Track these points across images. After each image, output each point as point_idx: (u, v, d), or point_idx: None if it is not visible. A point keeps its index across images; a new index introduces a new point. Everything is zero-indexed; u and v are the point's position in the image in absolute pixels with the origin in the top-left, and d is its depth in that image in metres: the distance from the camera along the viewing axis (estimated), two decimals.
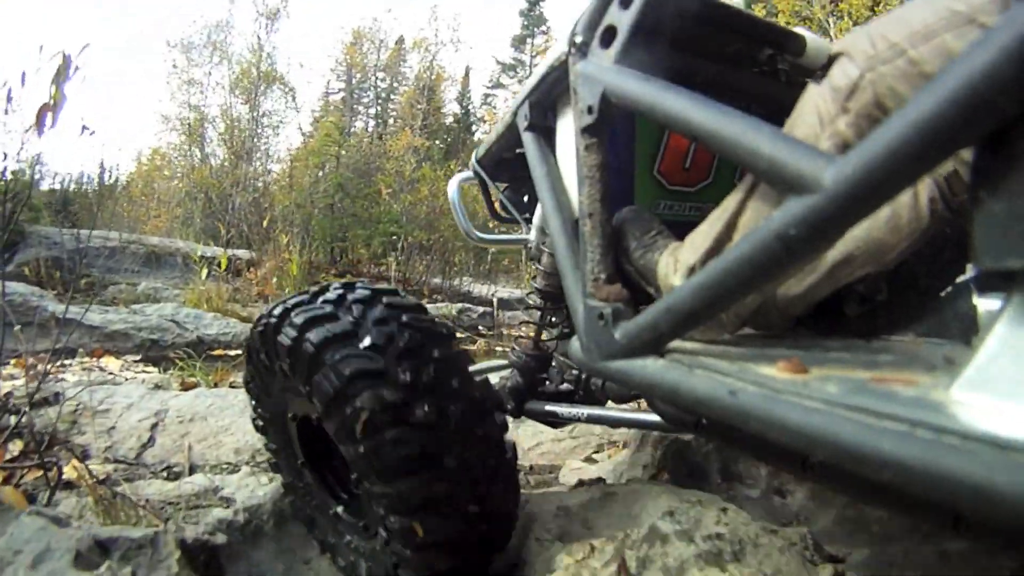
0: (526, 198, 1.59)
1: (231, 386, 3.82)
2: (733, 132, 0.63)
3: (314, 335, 1.05)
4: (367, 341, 1.04)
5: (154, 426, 2.55)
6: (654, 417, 1.04)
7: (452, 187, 1.65)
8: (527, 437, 2.45)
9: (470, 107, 27.22)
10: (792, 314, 0.89)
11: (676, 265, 0.92)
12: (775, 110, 1.05)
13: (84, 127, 2.29)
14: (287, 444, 1.38)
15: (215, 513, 1.53)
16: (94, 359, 4.02)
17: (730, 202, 0.85)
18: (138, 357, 4.34)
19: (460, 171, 1.40)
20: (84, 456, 2.30)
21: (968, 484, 0.42)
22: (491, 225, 1.93)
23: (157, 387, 3.08)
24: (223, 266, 6.61)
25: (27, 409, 2.08)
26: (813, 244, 0.55)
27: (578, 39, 0.93)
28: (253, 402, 1.43)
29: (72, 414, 2.58)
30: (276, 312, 1.15)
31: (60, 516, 1.30)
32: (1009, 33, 0.40)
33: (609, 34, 0.89)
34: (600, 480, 1.79)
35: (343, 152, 9.40)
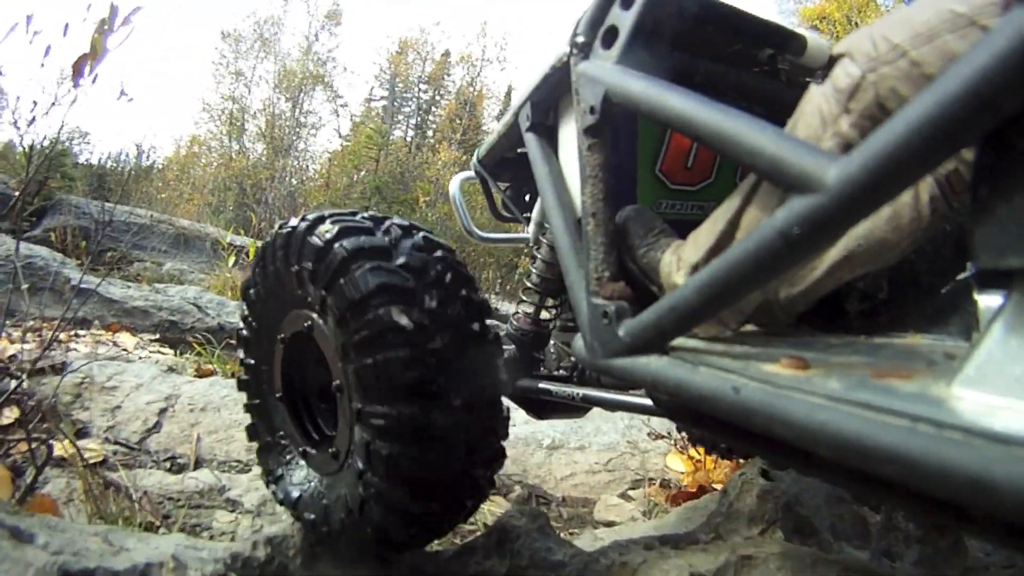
0: (527, 197, 1.59)
1: None
2: (736, 132, 0.63)
3: (348, 242, 1.05)
4: (401, 260, 1.05)
5: (162, 411, 2.40)
6: (647, 401, 1.04)
7: (454, 186, 1.66)
8: (560, 467, 2.40)
9: None
10: (794, 311, 0.90)
11: (679, 263, 0.92)
12: (776, 110, 1.06)
13: (122, 92, 2.23)
14: (267, 376, 1.36)
15: (228, 548, 1.22)
16: (109, 333, 3.89)
17: (733, 201, 0.86)
18: (155, 337, 4.21)
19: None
20: (83, 434, 2.17)
21: (969, 478, 0.42)
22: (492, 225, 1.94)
23: (170, 370, 2.91)
24: (251, 255, 6.32)
25: (24, 375, 1.95)
26: (816, 242, 0.55)
27: (580, 39, 0.94)
28: (246, 311, 1.39)
29: (77, 387, 2.43)
30: (310, 217, 1.14)
31: (23, 530, 1.07)
32: (1009, 34, 0.41)
33: (611, 34, 0.90)
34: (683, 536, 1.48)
35: (381, 158, 9.32)
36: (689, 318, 0.71)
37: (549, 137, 1.18)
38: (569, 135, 1.13)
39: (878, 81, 0.71)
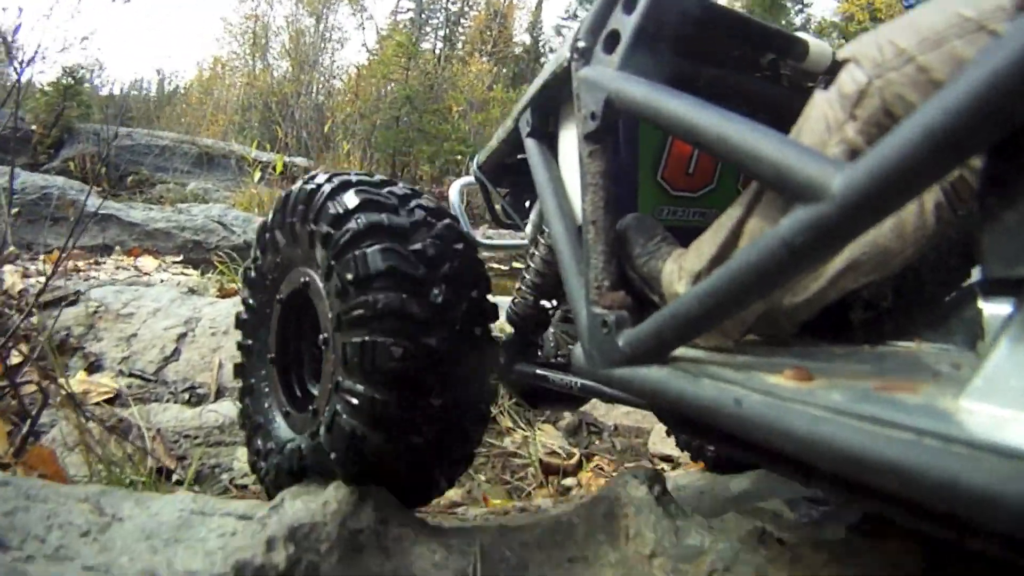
0: (527, 203, 1.59)
1: None
2: (739, 139, 0.63)
3: (367, 217, 1.02)
4: (416, 246, 1.02)
5: (181, 336, 2.25)
6: None
7: (453, 192, 1.65)
8: None
9: (540, 38, 25.56)
10: (797, 321, 0.89)
11: (681, 272, 0.91)
12: (778, 115, 1.05)
13: None
14: (263, 332, 1.34)
15: (236, 548, 0.90)
16: (130, 258, 3.75)
17: (735, 209, 0.85)
18: (178, 258, 4.03)
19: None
20: (96, 367, 2.06)
21: (975, 493, 0.42)
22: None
23: (191, 292, 2.73)
24: (278, 170, 6.26)
25: (29, 307, 1.81)
26: (820, 252, 0.55)
27: (581, 44, 0.93)
28: (255, 256, 1.35)
29: (91, 316, 2.28)
30: (337, 180, 1.11)
31: None
32: (1019, 40, 0.40)
33: (612, 39, 0.89)
34: None
35: (411, 68, 8.95)
36: (691, 328, 0.70)
37: (549, 143, 1.17)
38: (570, 141, 1.13)
39: (884, 87, 0.70)
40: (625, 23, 0.87)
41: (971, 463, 0.42)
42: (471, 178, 1.55)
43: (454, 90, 9.00)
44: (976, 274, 0.90)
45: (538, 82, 1.12)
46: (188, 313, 2.33)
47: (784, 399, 0.58)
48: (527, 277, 1.37)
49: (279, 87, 10.15)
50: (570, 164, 1.11)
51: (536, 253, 1.33)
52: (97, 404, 1.81)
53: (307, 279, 1.16)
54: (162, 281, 3.10)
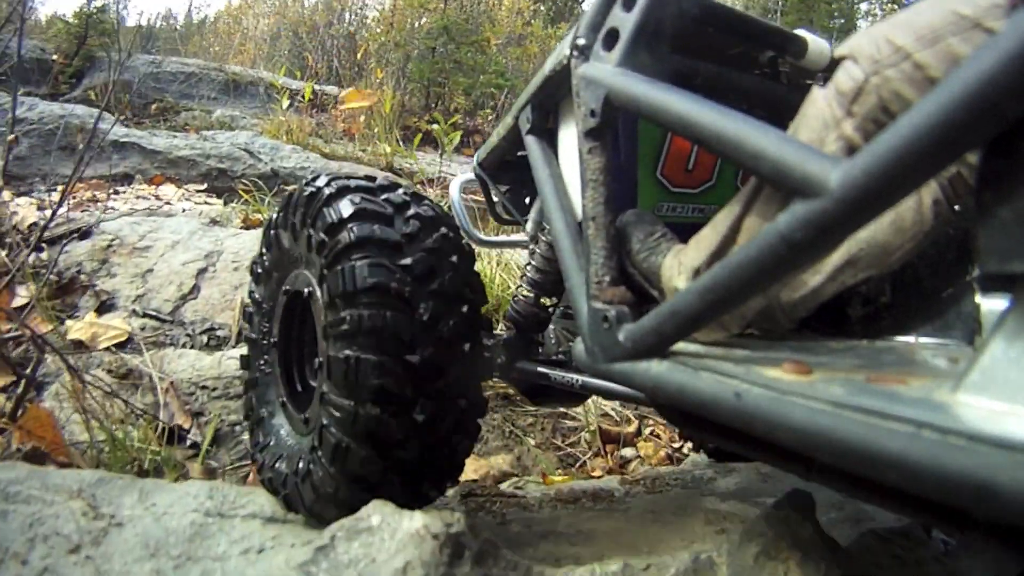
0: (528, 200, 1.59)
1: None
2: (738, 135, 0.63)
3: (359, 228, 1.01)
4: (407, 261, 1.01)
5: (201, 272, 2.08)
6: None
7: (454, 189, 1.65)
8: None
9: None
10: (796, 316, 0.90)
11: (680, 267, 0.92)
12: (777, 112, 1.06)
13: None
14: (268, 325, 1.34)
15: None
16: (152, 186, 3.58)
17: (734, 205, 0.86)
18: (202, 187, 3.85)
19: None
20: (108, 307, 1.91)
21: (973, 485, 0.42)
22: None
23: (213, 223, 2.55)
24: (307, 97, 6.05)
25: (36, 243, 1.71)
26: (819, 247, 0.55)
27: (580, 42, 0.94)
28: (262, 251, 1.35)
29: (104, 251, 2.11)
30: (336, 185, 1.10)
31: None
32: (1015, 37, 0.41)
33: (612, 37, 0.90)
34: None
35: (448, 1, 8.58)
36: (690, 323, 0.70)
37: (549, 140, 1.18)
38: (569, 138, 1.13)
39: (881, 84, 0.71)
40: (624, 21, 0.87)
41: (969, 455, 0.43)
42: (471, 175, 1.55)
43: (492, 23, 8.69)
44: (974, 270, 0.91)
45: (538, 79, 1.13)
46: (209, 246, 2.19)
47: (783, 392, 0.58)
48: (528, 274, 1.37)
49: (310, 17, 9.71)
50: (570, 161, 1.11)
51: (537, 251, 1.33)
52: (107, 349, 1.70)
53: (307, 282, 1.16)
54: (184, 211, 2.91)
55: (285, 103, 5.65)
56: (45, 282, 1.77)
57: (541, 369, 1.29)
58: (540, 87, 1.12)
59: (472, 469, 1.67)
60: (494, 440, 1.89)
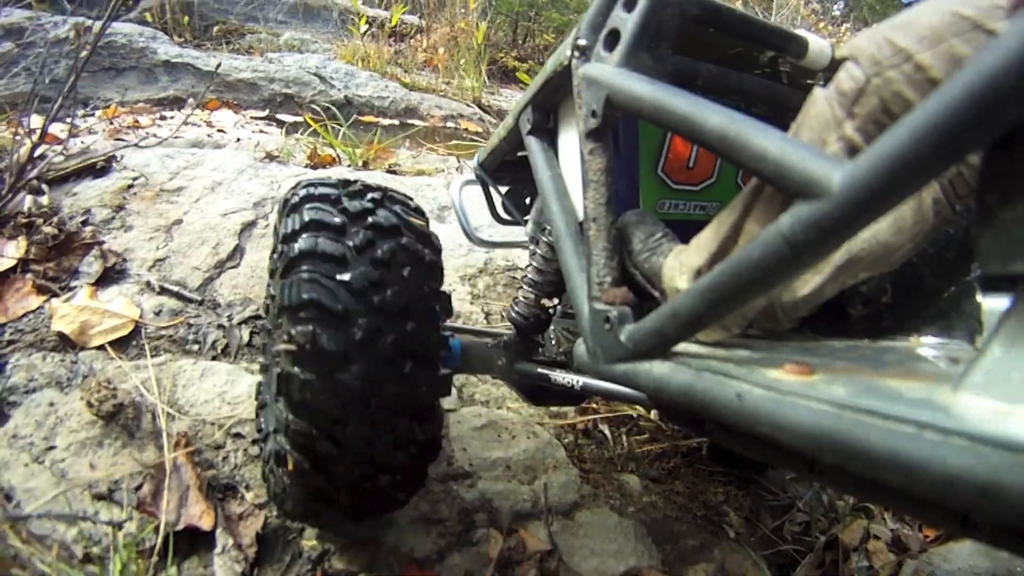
0: (528, 200, 1.59)
1: (390, 171, 2.50)
2: (740, 136, 0.63)
3: (305, 241, 0.99)
4: (347, 276, 0.97)
5: (247, 227, 1.60)
6: None
7: (455, 190, 1.66)
8: None
9: None
10: (797, 315, 0.90)
11: (681, 268, 0.92)
12: (778, 112, 1.06)
13: None
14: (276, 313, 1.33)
15: None
16: (205, 111, 3.03)
17: (736, 205, 0.86)
18: (263, 113, 3.28)
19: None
20: (116, 275, 1.43)
21: (976, 486, 0.42)
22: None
23: (269, 158, 1.99)
24: (394, 22, 5.49)
25: (28, 180, 1.27)
26: (821, 248, 0.55)
27: (581, 42, 0.94)
28: (275, 245, 1.31)
29: (123, 192, 1.61)
30: (303, 191, 1.07)
31: None
32: (1017, 38, 0.41)
33: (612, 37, 0.90)
34: None
35: None
36: (692, 323, 0.70)
37: (550, 140, 1.18)
38: (570, 139, 1.13)
39: (883, 85, 0.71)
40: (625, 21, 0.87)
41: (970, 456, 0.43)
42: (472, 175, 1.56)
43: None
44: (975, 270, 0.91)
45: (539, 80, 1.13)
46: (261, 190, 1.69)
47: (785, 393, 0.58)
48: (528, 275, 1.37)
49: None
50: (571, 161, 1.11)
51: (537, 252, 1.33)
52: (99, 348, 1.26)
53: None
54: (237, 140, 2.31)
55: (362, 26, 5.15)
56: (33, 238, 1.33)
57: (541, 370, 1.29)
58: (541, 88, 1.13)
59: None
60: (685, 530, 1.47)
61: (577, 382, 1.19)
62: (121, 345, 1.29)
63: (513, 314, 1.40)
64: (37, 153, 1.53)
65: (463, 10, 6.34)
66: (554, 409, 1.69)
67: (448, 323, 1.46)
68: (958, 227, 0.91)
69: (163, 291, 1.40)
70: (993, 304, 0.52)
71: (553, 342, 1.49)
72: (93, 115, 2.52)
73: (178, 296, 1.41)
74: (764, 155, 0.60)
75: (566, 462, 1.55)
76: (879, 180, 0.48)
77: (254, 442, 1.16)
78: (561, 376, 1.23)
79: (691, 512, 1.51)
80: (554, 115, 1.18)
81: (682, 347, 0.78)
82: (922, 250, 0.84)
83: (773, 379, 0.63)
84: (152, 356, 1.28)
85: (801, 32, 1.03)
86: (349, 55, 4.84)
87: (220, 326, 1.34)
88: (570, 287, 0.97)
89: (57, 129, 1.91)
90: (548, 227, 1.25)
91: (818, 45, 1.02)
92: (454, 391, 1.62)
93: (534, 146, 1.17)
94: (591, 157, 0.90)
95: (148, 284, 1.41)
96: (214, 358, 1.31)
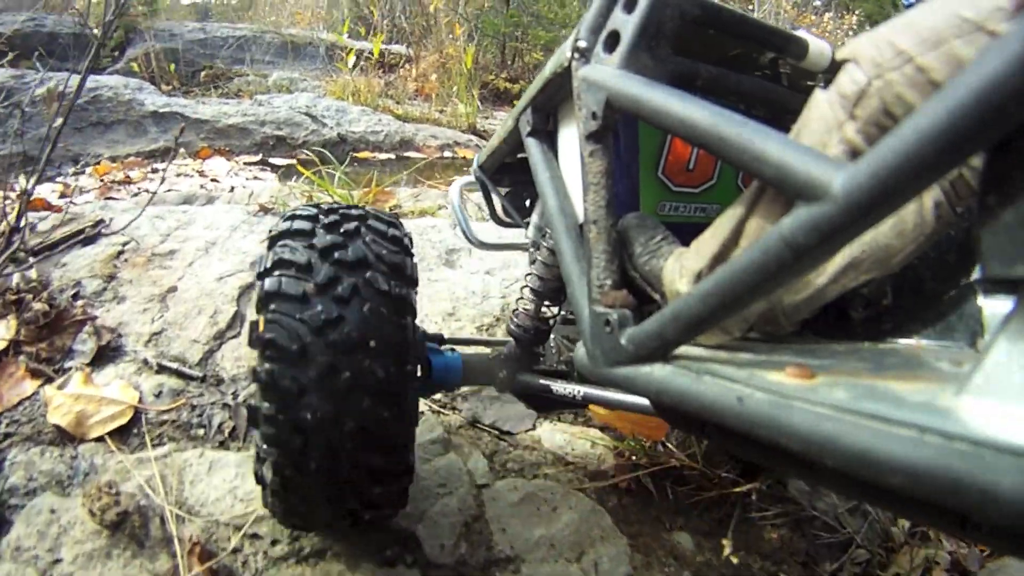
0: (528, 202, 1.59)
1: (392, 212, 2.30)
2: (740, 138, 0.63)
3: (271, 280, 1.00)
4: (307, 315, 0.98)
5: (244, 291, 1.54)
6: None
7: (454, 192, 1.66)
8: None
9: None
10: (798, 318, 0.89)
11: (682, 271, 0.92)
12: (778, 114, 1.06)
13: None
14: None
15: None
16: (197, 160, 3.04)
17: (736, 208, 0.85)
18: (256, 158, 3.23)
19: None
20: (110, 353, 1.34)
21: (977, 489, 0.42)
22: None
23: (264, 211, 1.91)
24: (376, 53, 5.48)
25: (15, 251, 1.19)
26: (822, 251, 0.55)
27: (581, 44, 0.94)
28: None
29: (113, 260, 1.54)
30: (282, 226, 1.09)
31: None
32: (1019, 40, 0.40)
33: (612, 39, 0.89)
34: None
35: None
36: (692, 327, 0.70)
37: (550, 143, 1.18)
38: (570, 141, 1.13)
39: (884, 87, 0.71)
40: (625, 23, 0.87)
41: (972, 459, 0.43)
42: (471, 177, 1.55)
43: None
44: (977, 273, 0.90)
45: (538, 82, 1.13)
46: (257, 248, 1.63)
47: (786, 396, 0.58)
48: (529, 283, 1.37)
49: None
50: (571, 163, 1.11)
51: (538, 258, 1.34)
52: (99, 440, 1.19)
53: None
54: (231, 189, 2.28)
55: (351, 61, 5.15)
56: (24, 315, 1.27)
57: (543, 382, 1.30)
58: (540, 89, 1.12)
59: None
60: None
61: (578, 393, 1.20)
62: (121, 435, 1.23)
63: (512, 326, 1.40)
64: (23, 223, 1.49)
65: (450, 35, 6.34)
66: (592, 468, 1.61)
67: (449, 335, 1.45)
68: (960, 230, 0.91)
69: (162, 369, 1.33)
70: (995, 307, 0.52)
71: (554, 350, 1.49)
72: (84, 172, 2.53)
73: (178, 374, 1.34)
74: (765, 157, 0.60)
75: (613, 530, 1.46)
76: (880, 183, 0.48)
77: (274, 543, 1.13)
78: (563, 387, 1.24)
79: (748, 567, 1.47)
80: (554, 117, 1.18)
81: (683, 350, 0.78)
82: (923, 253, 0.84)
83: (774, 382, 0.63)
84: (155, 446, 1.22)
85: (801, 33, 1.03)
86: (339, 91, 4.84)
87: (225, 405, 1.28)
88: (570, 290, 0.96)
89: (48, 190, 1.90)
90: (548, 230, 1.24)
91: (818, 47, 1.02)
92: (484, 461, 1.54)
93: (534, 148, 1.17)
94: (591, 159, 0.90)
95: (145, 362, 1.35)
96: (221, 443, 1.25)
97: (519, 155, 1.36)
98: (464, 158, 4.15)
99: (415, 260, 1.17)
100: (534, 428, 1.78)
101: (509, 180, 1.56)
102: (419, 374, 1.27)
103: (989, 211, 0.49)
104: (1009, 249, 0.48)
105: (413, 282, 1.11)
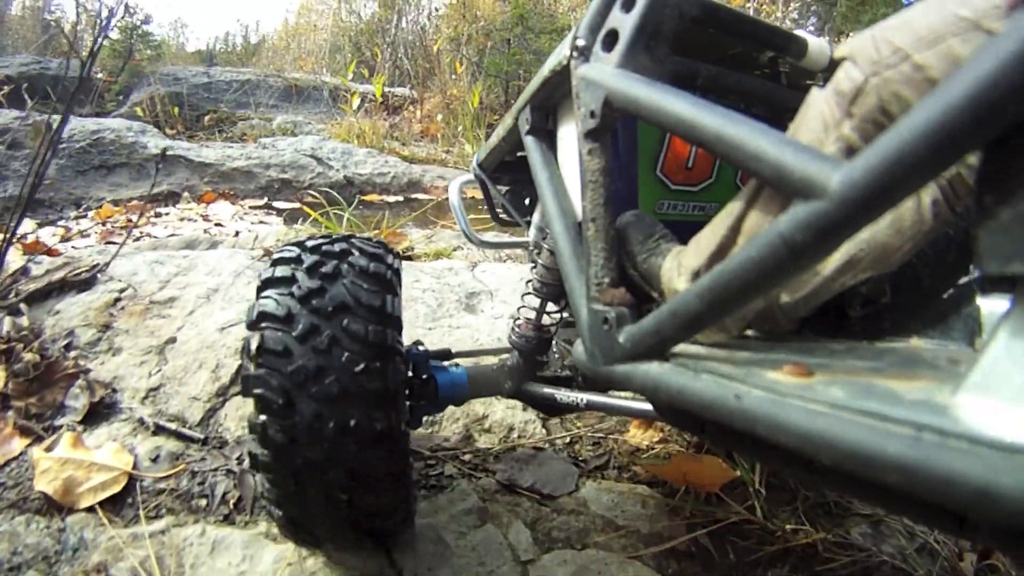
0: (527, 201, 1.59)
1: (406, 257, 2.32)
2: (738, 137, 0.63)
3: (258, 334, 1.00)
4: (291, 368, 0.98)
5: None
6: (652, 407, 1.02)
7: (453, 190, 1.66)
8: None
9: None
10: (796, 316, 0.89)
11: (680, 269, 0.92)
12: (777, 113, 1.06)
13: None
14: None
15: None
16: (201, 204, 3.06)
17: (734, 206, 0.85)
18: (261, 202, 3.20)
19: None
20: (105, 411, 1.25)
21: (974, 488, 0.42)
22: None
23: (268, 255, 1.76)
24: (379, 94, 5.55)
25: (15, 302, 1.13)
26: (819, 249, 0.55)
27: (580, 43, 0.94)
28: None
29: (109, 308, 1.44)
30: (267, 273, 1.08)
31: None
32: (1015, 38, 0.41)
33: (611, 38, 0.89)
34: None
35: None
36: (691, 325, 0.70)
37: (549, 141, 1.18)
38: (569, 139, 1.13)
39: (881, 85, 0.71)
40: (624, 22, 0.87)
41: (969, 457, 0.43)
42: (470, 176, 1.56)
43: (569, 11, 7.96)
44: (974, 271, 0.91)
45: (537, 80, 1.13)
46: None
47: (784, 394, 0.58)
48: (531, 286, 1.38)
49: (367, 25, 9.11)
50: (569, 161, 1.11)
51: (539, 261, 1.34)
52: (89, 510, 1.07)
53: None
54: (236, 234, 2.23)
55: (355, 103, 5.19)
56: (13, 367, 1.19)
57: (547, 390, 1.34)
58: (539, 88, 1.12)
59: None
60: None
61: (582, 400, 1.21)
62: (114, 505, 1.10)
63: (514, 336, 1.40)
64: (15, 268, 1.41)
65: (453, 76, 6.33)
66: (645, 531, 1.49)
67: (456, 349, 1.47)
68: (957, 228, 0.91)
69: (159, 430, 1.22)
70: (992, 305, 0.52)
71: (556, 355, 1.49)
72: (86, 216, 2.49)
73: (177, 435, 1.22)
74: (762, 156, 0.60)
75: None
76: (877, 180, 0.48)
77: None
78: (566, 395, 1.27)
79: None
80: (553, 115, 1.18)
81: (681, 348, 0.78)
82: (921, 251, 0.84)
83: (772, 380, 0.63)
84: (151, 519, 1.09)
85: (800, 32, 1.03)
86: (344, 133, 4.83)
87: (229, 471, 1.17)
88: (568, 288, 0.96)
89: (48, 233, 1.84)
90: (547, 228, 1.25)
91: (817, 45, 1.02)
92: (526, 532, 1.44)
93: (532, 146, 1.17)
94: (590, 157, 0.90)
95: (141, 421, 1.23)
96: (226, 517, 1.13)
97: (519, 153, 1.36)
98: (473, 198, 4.16)
99: (399, 294, 1.13)
100: (577, 489, 1.65)
101: (508, 178, 1.57)
102: (425, 394, 1.32)
103: (986, 209, 0.49)
104: (1006, 247, 0.48)
105: (395, 321, 1.08)
